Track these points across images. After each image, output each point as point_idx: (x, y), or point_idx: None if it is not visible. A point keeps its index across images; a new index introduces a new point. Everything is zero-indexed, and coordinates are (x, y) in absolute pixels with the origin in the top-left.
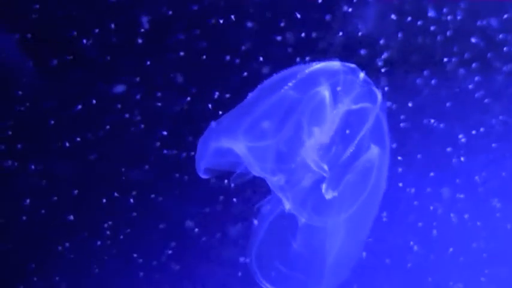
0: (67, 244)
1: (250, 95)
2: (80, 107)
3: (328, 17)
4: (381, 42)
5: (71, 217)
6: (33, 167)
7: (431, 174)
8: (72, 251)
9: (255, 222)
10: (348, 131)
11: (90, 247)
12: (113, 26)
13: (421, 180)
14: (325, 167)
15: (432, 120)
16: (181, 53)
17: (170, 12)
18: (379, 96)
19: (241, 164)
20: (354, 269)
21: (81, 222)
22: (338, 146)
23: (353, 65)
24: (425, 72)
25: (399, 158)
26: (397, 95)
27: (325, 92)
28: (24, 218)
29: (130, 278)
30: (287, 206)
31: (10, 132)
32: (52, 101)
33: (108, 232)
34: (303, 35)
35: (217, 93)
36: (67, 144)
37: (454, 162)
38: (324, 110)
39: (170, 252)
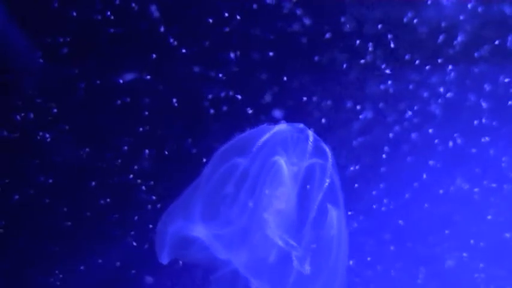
0: None
1: (204, 171)
2: (87, 95)
3: None
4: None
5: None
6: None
7: None
8: None
9: None
10: (305, 196)
11: None
12: (121, 15)
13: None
14: (294, 243)
15: None
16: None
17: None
18: (329, 152)
19: (201, 244)
20: None
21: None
22: (298, 213)
23: (301, 125)
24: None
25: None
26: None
27: (280, 160)
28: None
29: None
30: (253, 283)
31: (20, 119)
32: (59, 89)
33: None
34: None
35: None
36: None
37: None
38: (279, 177)
39: None
